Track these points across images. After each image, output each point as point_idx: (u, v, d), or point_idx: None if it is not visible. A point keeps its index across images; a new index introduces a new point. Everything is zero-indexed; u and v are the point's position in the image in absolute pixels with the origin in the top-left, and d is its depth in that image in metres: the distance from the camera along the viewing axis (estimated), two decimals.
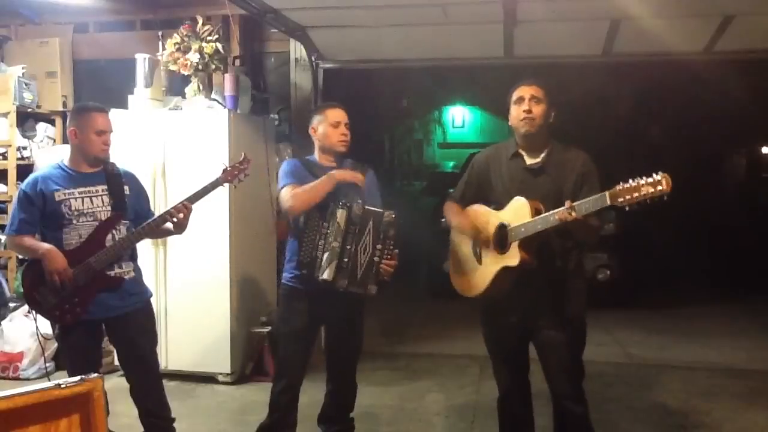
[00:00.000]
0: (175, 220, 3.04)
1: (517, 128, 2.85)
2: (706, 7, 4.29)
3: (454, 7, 4.26)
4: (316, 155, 3.25)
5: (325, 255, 2.96)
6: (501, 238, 2.75)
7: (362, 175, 3.13)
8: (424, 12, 4.36)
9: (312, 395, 3.46)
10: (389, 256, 3.00)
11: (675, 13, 4.32)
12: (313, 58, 5.29)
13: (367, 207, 3.00)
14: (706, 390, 4.53)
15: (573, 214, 2.48)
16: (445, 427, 3.97)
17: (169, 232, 3.22)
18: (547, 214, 2.58)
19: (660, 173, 2.31)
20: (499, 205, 2.83)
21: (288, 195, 3.04)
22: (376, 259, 2.98)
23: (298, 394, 3.25)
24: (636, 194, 2.33)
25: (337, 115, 3.18)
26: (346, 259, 2.96)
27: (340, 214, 2.96)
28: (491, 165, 2.95)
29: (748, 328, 6.18)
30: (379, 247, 2.98)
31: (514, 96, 2.85)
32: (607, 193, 2.43)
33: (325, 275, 2.94)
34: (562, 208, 2.52)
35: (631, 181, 2.36)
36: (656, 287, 7.52)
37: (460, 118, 17.52)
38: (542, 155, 2.83)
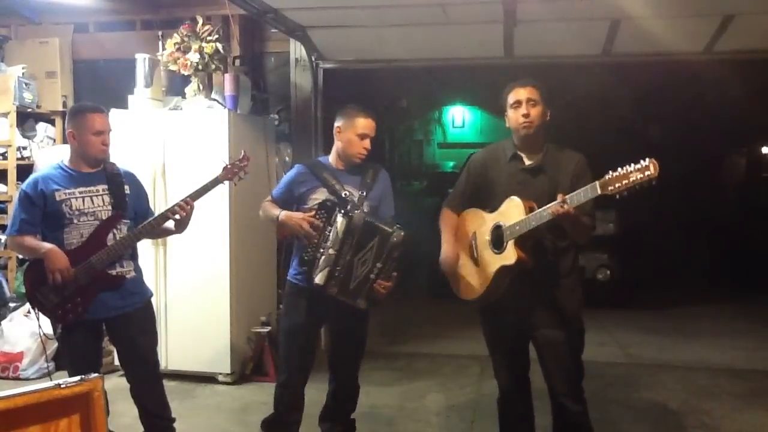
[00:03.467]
0: (177, 217, 3.05)
1: (516, 130, 2.87)
2: (706, 7, 4.29)
3: (454, 7, 4.26)
4: (331, 157, 3.20)
5: (323, 258, 2.95)
6: (497, 239, 2.77)
7: (306, 225, 2.94)
8: (424, 12, 4.36)
9: (312, 395, 3.45)
10: (386, 278, 2.96)
11: (675, 13, 4.32)
12: (313, 58, 5.30)
13: (368, 220, 2.96)
14: (706, 390, 4.53)
15: (565, 206, 2.52)
16: (445, 427, 3.97)
17: (169, 232, 3.23)
18: (540, 210, 2.61)
19: (648, 159, 2.36)
20: (494, 207, 2.84)
21: (263, 204, 3.21)
22: (372, 276, 2.95)
23: (302, 393, 3.24)
24: (625, 181, 2.39)
25: (367, 126, 3.10)
26: (339, 268, 2.94)
27: (340, 222, 2.94)
28: (489, 166, 2.96)
29: (748, 328, 6.18)
30: (379, 265, 2.94)
31: (511, 99, 2.86)
32: (597, 183, 2.48)
33: (317, 279, 2.95)
34: (555, 202, 2.56)
35: (620, 169, 2.41)
36: (656, 287, 7.52)
37: (460, 118, 17.49)
38: (540, 155, 2.86)
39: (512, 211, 2.72)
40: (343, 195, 3.03)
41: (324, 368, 3.38)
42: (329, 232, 2.95)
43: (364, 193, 3.09)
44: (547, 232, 2.74)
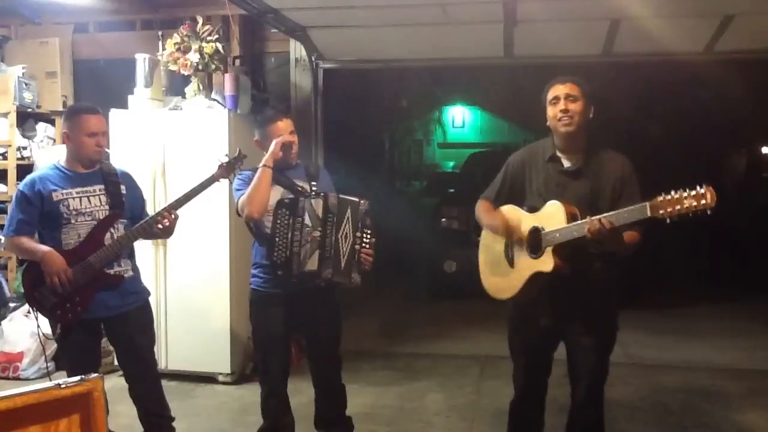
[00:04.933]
0: (166, 223, 3.05)
1: (555, 128, 2.76)
2: (706, 7, 4.30)
3: (454, 7, 4.26)
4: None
5: (304, 248, 2.96)
6: (534, 242, 2.68)
7: (288, 136, 3.07)
8: (424, 12, 4.36)
9: (311, 395, 3.45)
10: (367, 245, 3.02)
11: (675, 13, 4.32)
12: (313, 58, 5.30)
13: (341, 196, 3.03)
14: (706, 390, 4.52)
15: (602, 222, 2.42)
16: (445, 427, 3.96)
17: (159, 235, 3.23)
18: (582, 221, 2.50)
19: (704, 186, 2.23)
20: (532, 208, 2.77)
21: (243, 202, 3.06)
22: (357, 247, 3.01)
23: (286, 396, 3.25)
24: (678, 207, 2.25)
25: (282, 127, 3.12)
26: (328, 248, 2.97)
27: (316, 204, 2.98)
28: (527, 166, 2.87)
29: (748, 328, 6.18)
30: (358, 234, 3.01)
31: (549, 96, 2.76)
32: (647, 204, 2.34)
33: (309, 266, 2.95)
34: (596, 217, 2.45)
35: (673, 192, 2.27)
36: (656, 287, 7.51)
37: (460, 118, 17.49)
38: (581, 156, 2.76)
39: (553, 216, 2.61)
40: (298, 188, 3.05)
41: None
42: (299, 223, 2.96)
43: (314, 184, 3.13)
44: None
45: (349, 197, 3.05)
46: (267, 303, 3.13)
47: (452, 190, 9.04)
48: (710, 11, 4.38)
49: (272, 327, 3.13)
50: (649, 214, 2.33)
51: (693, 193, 2.23)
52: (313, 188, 3.10)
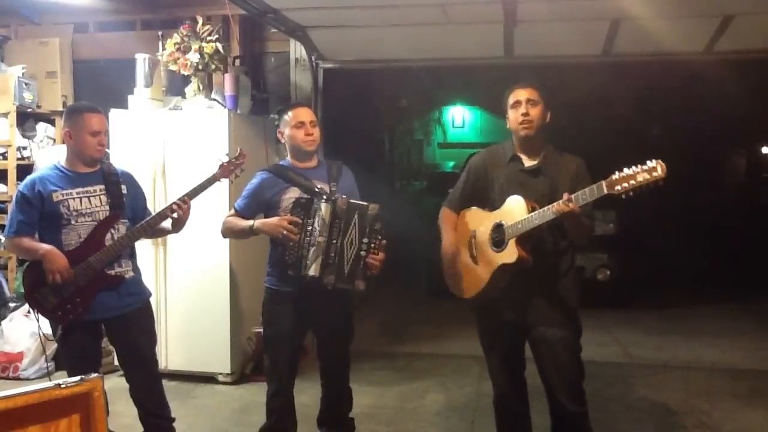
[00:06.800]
0: (175, 215, 3.05)
1: (516, 131, 2.88)
2: (706, 7, 4.30)
3: (454, 7, 4.26)
4: (290, 159, 3.23)
5: (311, 251, 2.96)
6: (497, 237, 2.77)
7: (285, 224, 2.96)
8: (424, 12, 4.36)
9: (313, 395, 3.46)
10: (376, 250, 3.00)
11: (675, 13, 4.32)
12: (313, 58, 5.30)
13: (351, 201, 3.02)
14: (706, 390, 4.53)
15: (570, 204, 2.52)
16: (445, 427, 3.97)
17: (166, 231, 3.24)
18: (543, 209, 2.61)
19: (655, 160, 2.37)
20: (494, 206, 2.86)
21: (224, 219, 3.19)
22: (362, 253, 2.99)
23: (293, 396, 3.26)
24: (632, 182, 2.39)
25: (301, 114, 3.15)
26: (332, 254, 2.97)
27: (325, 208, 2.97)
28: (489, 167, 2.97)
29: (748, 328, 6.18)
30: (365, 240, 2.99)
31: (511, 99, 2.88)
32: (603, 182, 2.47)
33: (312, 271, 2.95)
34: (560, 200, 2.56)
35: (626, 169, 2.42)
36: (656, 287, 7.52)
37: (460, 118, 17.50)
38: (540, 157, 2.87)
39: (514, 210, 2.72)
40: (316, 190, 3.05)
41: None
42: (311, 225, 2.97)
43: (334, 186, 3.12)
44: (547, 232, 2.75)
45: (357, 202, 3.03)
46: (279, 301, 3.14)
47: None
48: (710, 11, 4.38)
49: (283, 324, 3.13)
50: (605, 190, 2.47)
51: (645, 167, 2.39)
52: (333, 189, 3.09)
